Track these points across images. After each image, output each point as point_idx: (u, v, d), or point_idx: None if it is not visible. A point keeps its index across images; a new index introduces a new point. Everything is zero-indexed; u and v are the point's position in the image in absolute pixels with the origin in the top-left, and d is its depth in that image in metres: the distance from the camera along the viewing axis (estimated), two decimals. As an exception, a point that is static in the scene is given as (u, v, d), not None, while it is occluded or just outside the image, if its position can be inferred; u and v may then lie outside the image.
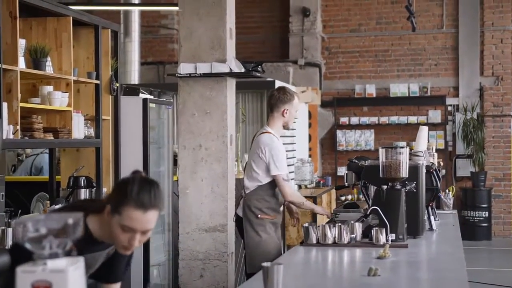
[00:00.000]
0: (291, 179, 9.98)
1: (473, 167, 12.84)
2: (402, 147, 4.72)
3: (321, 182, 11.19)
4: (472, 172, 12.82)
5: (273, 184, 5.32)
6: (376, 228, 4.47)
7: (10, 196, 6.61)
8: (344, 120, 13.39)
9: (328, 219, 4.68)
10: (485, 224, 12.67)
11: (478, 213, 12.63)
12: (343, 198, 11.66)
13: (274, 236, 5.36)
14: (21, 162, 9.26)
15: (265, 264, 2.87)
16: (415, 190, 4.79)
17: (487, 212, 12.66)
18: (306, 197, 9.29)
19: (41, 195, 6.07)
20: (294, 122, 5.62)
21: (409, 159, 5.30)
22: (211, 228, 5.92)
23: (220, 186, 5.91)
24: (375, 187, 4.83)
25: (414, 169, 4.82)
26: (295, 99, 5.39)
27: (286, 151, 8.89)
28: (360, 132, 13.35)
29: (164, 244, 6.97)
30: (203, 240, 5.93)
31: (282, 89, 5.57)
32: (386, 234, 4.46)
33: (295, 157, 10.52)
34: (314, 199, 9.46)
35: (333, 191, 11.53)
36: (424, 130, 5.88)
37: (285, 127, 5.43)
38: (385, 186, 4.64)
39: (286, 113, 5.35)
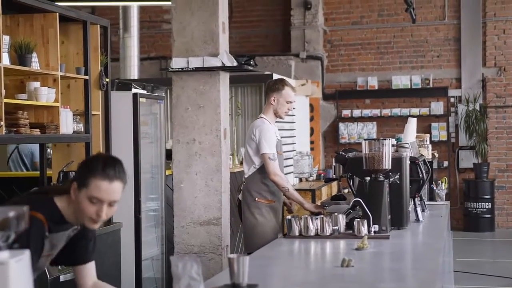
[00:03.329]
0: (290, 173, 9.99)
1: (476, 158, 12.81)
2: (385, 139, 4.73)
3: (322, 175, 11.15)
4: (475, 164, 12.79)
5: None
6: (358, 219, 4.49)
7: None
8: (346, 112, 13.38)
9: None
10: (488, 216, 12.65)
11: (481, 205, 12.61)
12: (346, 190, 11.61)
13: (271, 220, 5.44)
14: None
15: (230, 255, 2.90)
16: (398, 182, 4.81)
17: (490, 203, 12.63)
18: (305, 190, 9.40)
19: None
20: (288, 113, 5.71)
21: (396, 151, 5.33)
22: (206, 222, 5.95)
23: (214, 180, 5.94)
24: (358, 179, 4.85)
25: (397, 161, 4.84)
26: (284, 89, 5.56)
27: (285, 144, 8.95)
28: (362, 125, 13.33)
29: (157, 238, 7.02)
30: (197, 233, 5.96)
31: (277, 79, 5.84)
32: (369, 226, 4.48)
33: (294, 150, 10.52)
34: (313, 192, 9.46)
35: (335, 184, 11.49)
36: (412, 122, 5.90)
37: (276, 115, 5.58)
38: (368, 178, 4.67)
39: (274, 100, 5.54)
